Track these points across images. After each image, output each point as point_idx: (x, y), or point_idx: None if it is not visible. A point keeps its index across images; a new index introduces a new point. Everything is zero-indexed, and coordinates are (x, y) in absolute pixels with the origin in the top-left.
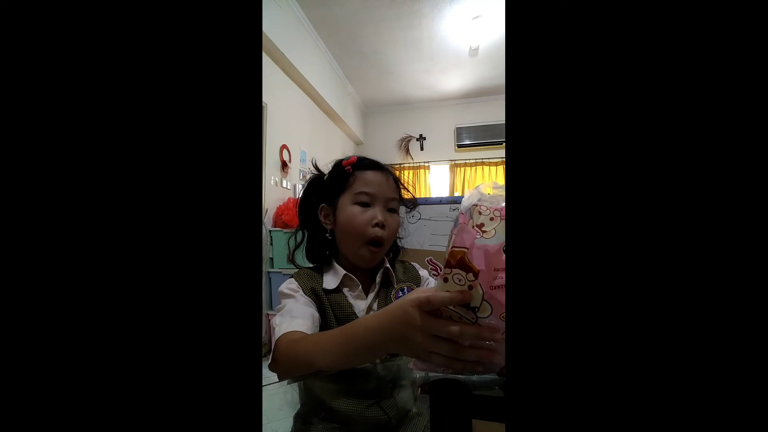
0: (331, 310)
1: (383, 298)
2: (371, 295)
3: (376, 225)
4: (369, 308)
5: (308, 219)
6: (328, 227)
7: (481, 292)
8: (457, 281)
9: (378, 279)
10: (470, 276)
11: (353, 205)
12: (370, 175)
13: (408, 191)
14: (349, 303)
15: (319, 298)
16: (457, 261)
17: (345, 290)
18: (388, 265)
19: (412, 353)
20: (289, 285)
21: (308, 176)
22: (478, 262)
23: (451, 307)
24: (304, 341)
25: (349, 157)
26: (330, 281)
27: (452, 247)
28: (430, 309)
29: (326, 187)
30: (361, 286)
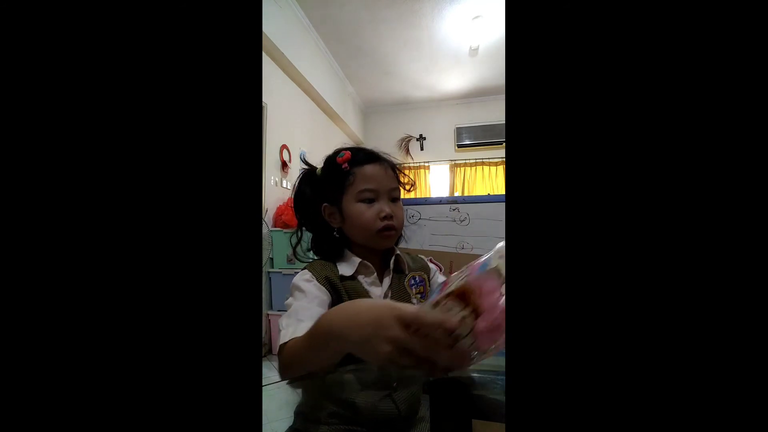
0: (347, 297)
1: (396, 284)
2: (386, 281)
3: (385, 218)
4: (385, 295)
5: (310, 217)
6: (336, 226)
7: (471, 325)
8: (446, 310)
9: (391, 266)
10: (469, 310)
11: (358, 203)
12: (370, 169)
13: (405, 175)
14: (365, 289)
15: (334, 285)
16: (460, 293)
17: (360, 277)
18: (399, 252)
19: (371, 359)
20: (303, 276)
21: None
22: (490, 312)
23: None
24: (299, 348)
25: (342, 154)
26: (345, 269)
27: (467, 281)
28: (416, 326)
29: (325, 186)
30: (375, 273)
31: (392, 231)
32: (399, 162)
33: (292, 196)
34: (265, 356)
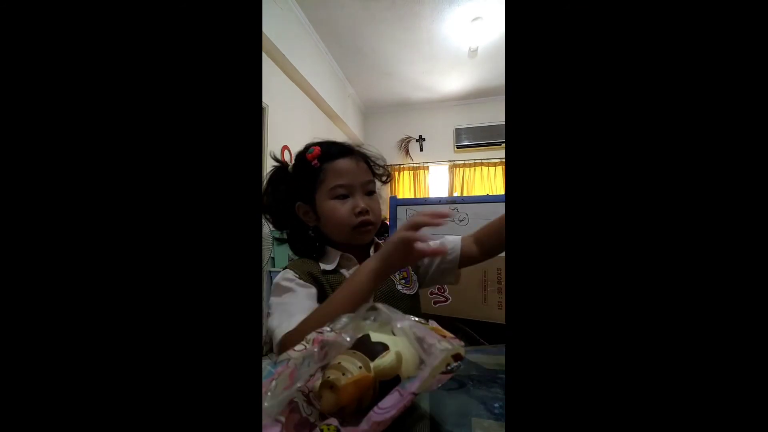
0: (331, 290)
1: None
2: None
3: (360, 213)
4: None
5: (285, 217)
6: (312, 224)
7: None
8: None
9: (371, 254)
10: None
11: (332, 200)
12: (341, 164)
13: (380, 165)
14: None
15: (317, 280)
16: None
17: (342, 271)
18: (379, 241)
19: (402, 258)
20: (285, 275)
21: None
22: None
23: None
24: (308, 323)
25: (312, 149)
26: (327, 264)
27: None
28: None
29: (297, 184)
30: (358, 265)
31: (369, 226)
32: (372, 153)
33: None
34: (265, 355)
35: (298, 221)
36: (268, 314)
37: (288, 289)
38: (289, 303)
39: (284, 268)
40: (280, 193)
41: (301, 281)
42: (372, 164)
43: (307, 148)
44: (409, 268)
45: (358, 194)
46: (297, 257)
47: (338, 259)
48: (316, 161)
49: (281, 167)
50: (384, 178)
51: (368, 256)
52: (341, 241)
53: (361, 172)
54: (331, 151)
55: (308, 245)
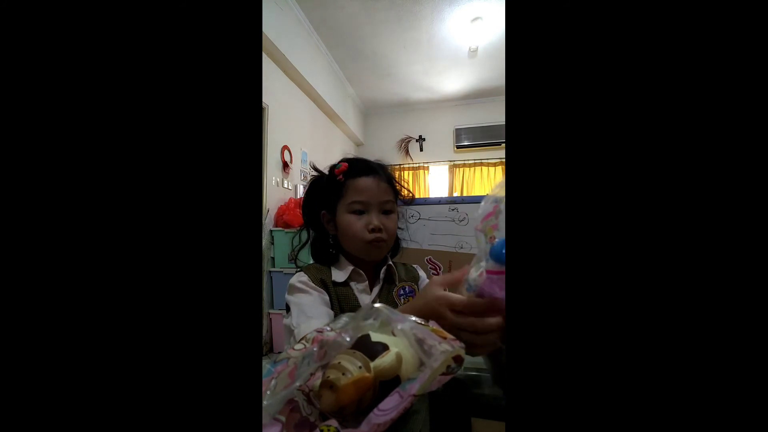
0: (338, 302)
1: (385, 294)
2: (375, 290)
3: (373, 230)
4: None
5: (312, 221)
6: (332, 233)
7: None
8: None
9: (382, 275)
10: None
11: (349, 214)
12: (362, 182)
13: (404, 187)
14: (356, 296)
15: (327, 288)
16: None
17: (352, 284)
18: (391, 263)
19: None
20: (300, 278)
21: (309, 177)
22: None
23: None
24: None
25: (339, 165)
26: (339, 275)
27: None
28: (455, 309)
29: (325, 194)
30: (367, 281)
31: (381, 242)
32: (398, 165)
33: (295, 197)
34: (265, 355)
35: (322, 228)
36: (287, 311)
37: (303, 291)
38: (305, 304)
39: (297, 271)
40: (313, 199)
41: (314, 285)
42: (396, 185)
43: (339, 162)
44: (416, 292)
45: (374, 212)
46: (309, 263)
47: (350, 272)
48: (341, 176)
49: (318, 176)
50: (406, 202)
51: (378, 274)
52: (355, 254)
53: (380, 191)
54: (356, 168)
55: (327, 251)
